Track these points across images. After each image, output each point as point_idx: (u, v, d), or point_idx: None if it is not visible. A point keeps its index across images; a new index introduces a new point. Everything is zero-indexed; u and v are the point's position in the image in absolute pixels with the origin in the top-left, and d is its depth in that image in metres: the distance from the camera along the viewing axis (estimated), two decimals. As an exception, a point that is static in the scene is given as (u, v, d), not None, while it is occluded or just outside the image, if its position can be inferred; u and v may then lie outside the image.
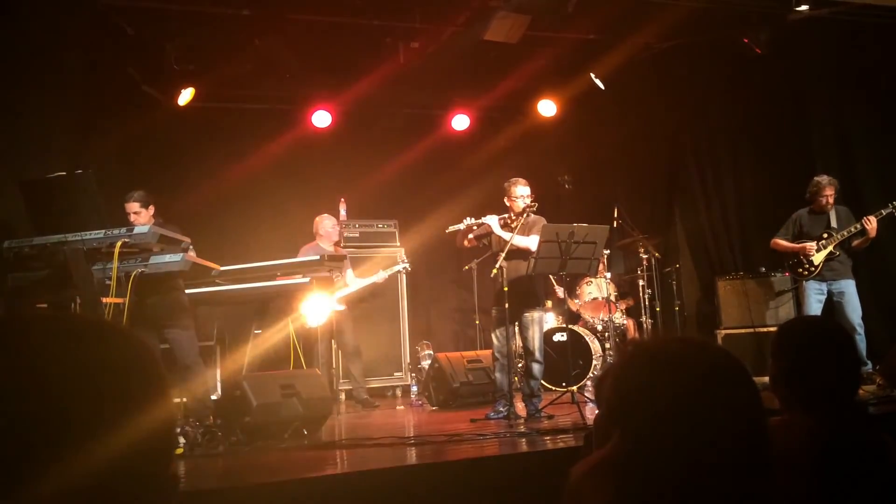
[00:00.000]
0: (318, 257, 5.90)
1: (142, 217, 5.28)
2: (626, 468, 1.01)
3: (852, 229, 6.57)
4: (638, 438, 1.01)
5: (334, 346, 7.23)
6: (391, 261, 7.92)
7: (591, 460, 1.06)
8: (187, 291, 5.25)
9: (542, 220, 5.52)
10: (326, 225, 7.28)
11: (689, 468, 0.98)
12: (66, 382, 0.73)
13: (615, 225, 7.55)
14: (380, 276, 7.36)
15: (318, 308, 6.90)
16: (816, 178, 6.75)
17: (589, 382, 7.22)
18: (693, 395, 1.01)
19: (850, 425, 1.77)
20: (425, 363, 7.57)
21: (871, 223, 6.44)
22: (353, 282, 7.32)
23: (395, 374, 8.20)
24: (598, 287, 7.91)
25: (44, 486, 0.70)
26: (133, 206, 5.31)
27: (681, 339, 1.18)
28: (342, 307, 7.20)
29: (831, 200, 6.67)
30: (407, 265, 7.55)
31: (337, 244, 7.40)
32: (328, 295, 6.89)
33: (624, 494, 1.01)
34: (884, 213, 6.48)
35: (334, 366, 7.22)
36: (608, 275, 8.01)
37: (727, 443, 1.00)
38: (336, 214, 7.73)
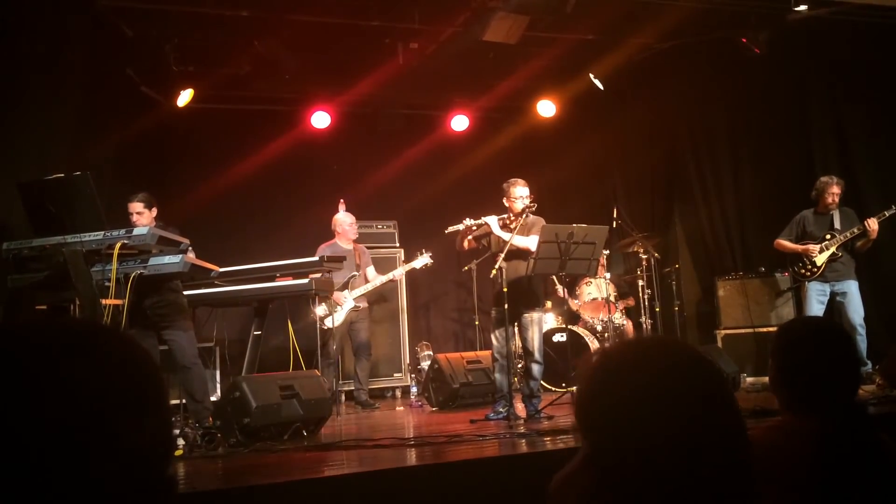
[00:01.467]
0: (317, 258, 5.91)
1: (144, 218, 5.29)
2: (592, 478, 1.00)
3: (855, 230, 6.54)
4: (597, 447, 1.00)
5: (341, 345, 7.18)
6: (391, 262, 7.90)
7: (567, 470, 1.06)
8: (186, 293, 5.25)
9: (542, 221, 5.51)
10: (344, 223, 7.27)
11: (650, 472, 0.95)
12: (63, 388, 0.73)
13: (615, 225, 7.55)
14: (398, 272, 7.35)
15: (335, 308, 6.91)
16: (823, 178, 6.73)
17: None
18: (639, 399, 0.98)
19: (849, 425, 1.77)
20: (425, 364, 7.56)
21: (873, 225, 6.42)
22: (374, 279, 7.27)
23: (395, 374, 8.21)
24: (597, 287, 7.90)
25: (43, 491, 0.70)
26: (137, 206, 5.32)
27: (637, 343, 1.14)
28: (363, 305, 7.17)
29: (836, 200, 6.64)
30: (428, 261, 7.25)
31: (356, 242, 7.38)
32: (347, 293, 6.91)
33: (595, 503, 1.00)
34: (886, 215, 6.46)
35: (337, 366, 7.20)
36: (608, 275, 8.00)
37: (688, 442, 0.96)
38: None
